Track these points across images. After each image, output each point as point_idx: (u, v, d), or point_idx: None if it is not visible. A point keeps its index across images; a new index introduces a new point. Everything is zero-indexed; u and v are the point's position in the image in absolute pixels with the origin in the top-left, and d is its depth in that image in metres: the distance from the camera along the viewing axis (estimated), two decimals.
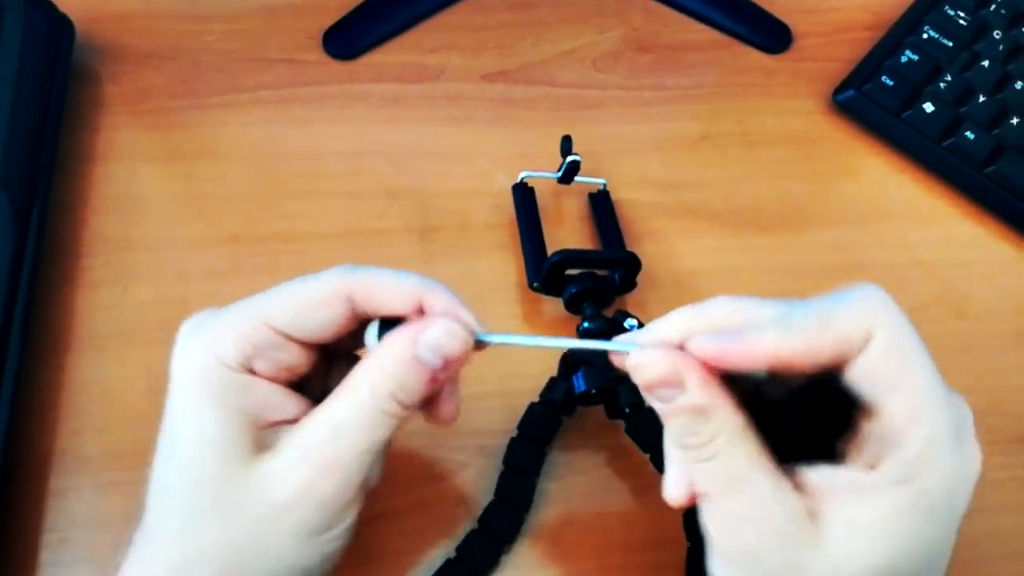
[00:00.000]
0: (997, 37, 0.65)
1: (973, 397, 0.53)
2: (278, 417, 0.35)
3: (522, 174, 0.57)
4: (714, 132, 0.63)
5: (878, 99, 0.62)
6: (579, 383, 0.46)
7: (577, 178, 0.56)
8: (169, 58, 0.62)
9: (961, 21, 0.65)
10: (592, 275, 0.52)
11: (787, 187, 0.61)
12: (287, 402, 0.36)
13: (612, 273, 0.53)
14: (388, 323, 0.35)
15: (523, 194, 0.56)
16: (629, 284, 0.53)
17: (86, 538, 0.45)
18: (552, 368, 0.49)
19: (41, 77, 0.55)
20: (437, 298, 0.35)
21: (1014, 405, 0.54)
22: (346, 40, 0.64)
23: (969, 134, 0.61)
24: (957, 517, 0.32)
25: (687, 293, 0.55)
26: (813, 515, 0.32)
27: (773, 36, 0.67)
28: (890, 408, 0.32)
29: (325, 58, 0.63)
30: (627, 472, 0.49)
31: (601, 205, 0.58)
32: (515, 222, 0.56)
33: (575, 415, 0.49)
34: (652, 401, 0.34)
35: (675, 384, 0.32)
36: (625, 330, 0.48)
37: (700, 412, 0.32)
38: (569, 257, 0.50)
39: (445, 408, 0.38)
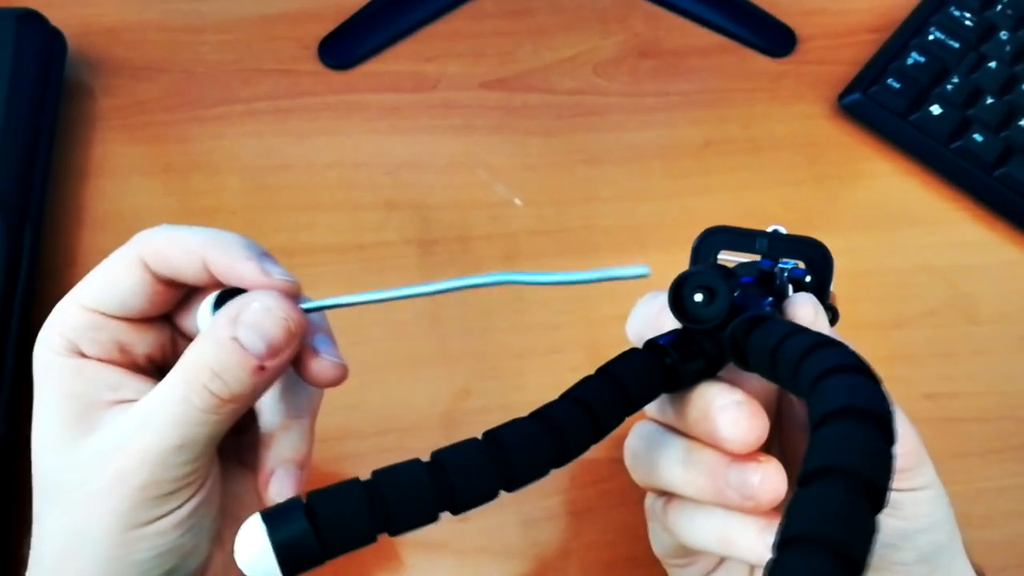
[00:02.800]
0: (1004, 38, 0.64)
1: (983, 402, 0.53)
2: (116, 396, 0.33)
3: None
4: (718, 138, 0.62)
5: (885, 102, 0.61)
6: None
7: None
8: (163, 70, 0.61)
9: (967, 22, 0.64)
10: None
11: (793, 193, 0.60)
12: (127, 382, 0.34)
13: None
14: (227, 297, 0.32)
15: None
16: None
17: None
18: (563, 380, 0.48)
19: (33, 92, 0.55)
20: (217, 254, 0.32)
21: None
22: (342, 50, 0.63)
23: (977, 136, 0.60)
24: None
25: None
26: None
27: (777, 40, 0.66)
28: None
29: (321, 68, 0.62)
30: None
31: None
32: (516, 234, 0.55)
33: None
34: None
35: None
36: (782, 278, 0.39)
37: None
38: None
39: (316, 367, 0.34)
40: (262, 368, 0.31)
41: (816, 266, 0.38)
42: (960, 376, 0.54)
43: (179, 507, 0.33)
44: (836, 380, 0.25)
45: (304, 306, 0.33)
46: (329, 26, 0.64)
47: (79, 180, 0.56)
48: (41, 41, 0.57)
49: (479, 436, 0.29)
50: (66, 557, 0.32)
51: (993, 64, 0.62)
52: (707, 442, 0.33)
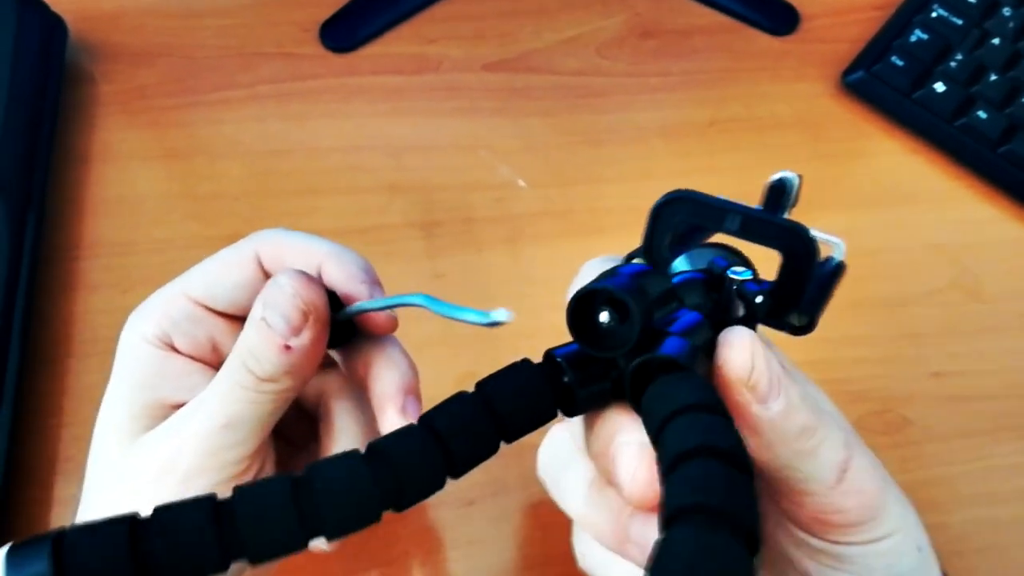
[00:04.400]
0: (1007, 15, 0.63)
1: (990, 380, 0.53)
2: (189, 397, 0.33)
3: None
4: (722, 117, 0.61)
5: (888, 79, 0.61)
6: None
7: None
8: (163, 56, 0.61)
9: None
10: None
11: (797, 171, 0.59)
12: (202, 384, 0.33)
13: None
14: None
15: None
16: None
17: None
18: None
19: (34, 78, 0.54)
20: (336, 268, 0.33)
21: None
22: (343, 32, 0.63)
23: (981, 113, 0.60)
24: None
25: None
26: None
27: (780, 18, 0.66)
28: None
29: (322, 51, 0.62)
30: None
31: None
32: (520, 216, 0.55)
33: None
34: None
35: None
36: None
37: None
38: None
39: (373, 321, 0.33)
40: (288, 347, 0.31)
41: (794, 260, 0.30)
42: (967, 354, 0.54)
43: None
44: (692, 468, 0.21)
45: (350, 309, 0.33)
46: (330, 9, 0.63)
47: (80, 166, 0.56)
48: (42, 27, 0.57)
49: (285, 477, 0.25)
50: None
51: (996, 41, 0.62)
52: (610, 481, 0.28)
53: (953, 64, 0.61)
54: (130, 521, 0.23)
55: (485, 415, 0.27)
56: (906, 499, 0.32)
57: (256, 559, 0.24)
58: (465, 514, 0.47)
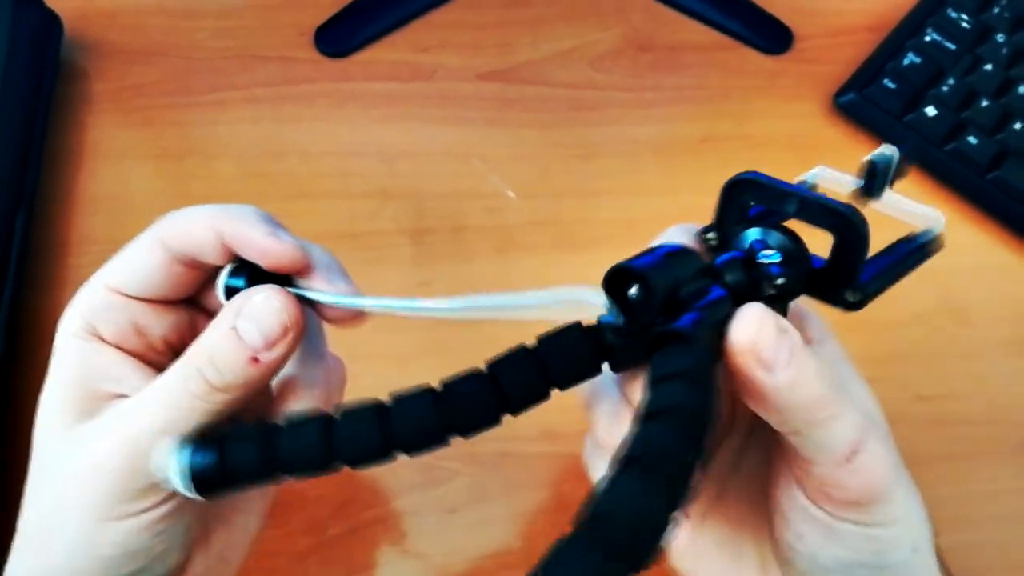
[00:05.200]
0: (1000, 41, 0.64)
1: (973, 405, 0.53)
2: (115, 389, 0.33)
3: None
4: (714, 134, 0.62)
5: (880, 102, 0.61)
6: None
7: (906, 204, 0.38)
8: (159, 55, 0.61)
9: (964, 24, 0.64)
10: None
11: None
12: (132, 374, 0.33)
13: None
14: (243, 273, 0.33)
15: None
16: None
17: None
18: None
19: (29, 74, 0.54)
20: (230, 227, 0.32)
21: (1015, 413, 0.53)
22: (339, 37, 0.63)
23: (972, 139, 0.60)
24: None
25: None
26: None
27: (774, 37, 0.67)
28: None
29: (317, 56, 0.62)
30: None
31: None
32: (510, 226, 0.55)
33: None
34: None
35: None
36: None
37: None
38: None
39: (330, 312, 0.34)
40: (256, 360, 0.31)
41: (846, 241, 0.32)
42: (951, 378, 0.54)
43: (153, 507, 0.32)
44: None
45: (300, 292, 0.32)
46: (326, 13, 0.64)
47: (73, 163, 0.56)
48: (37, 23, 0.57)
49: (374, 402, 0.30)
50: (43, 535, 0.33)
51: (989, 67, 0.63)
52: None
53: (945, 89, 0.62)
54: (267, 429, 0.30)
55: (538, 368, 0.31)
56: (921, 504, 0.33)
57: (408, 451, 0.30)
58: (446, 520, 0.47)
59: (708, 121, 0.62)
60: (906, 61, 0.63)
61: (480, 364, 0.33)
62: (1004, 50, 0.63)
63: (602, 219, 0.57)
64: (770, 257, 0.33)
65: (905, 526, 0.32)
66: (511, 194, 0.56)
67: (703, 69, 0.65)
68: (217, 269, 0.34)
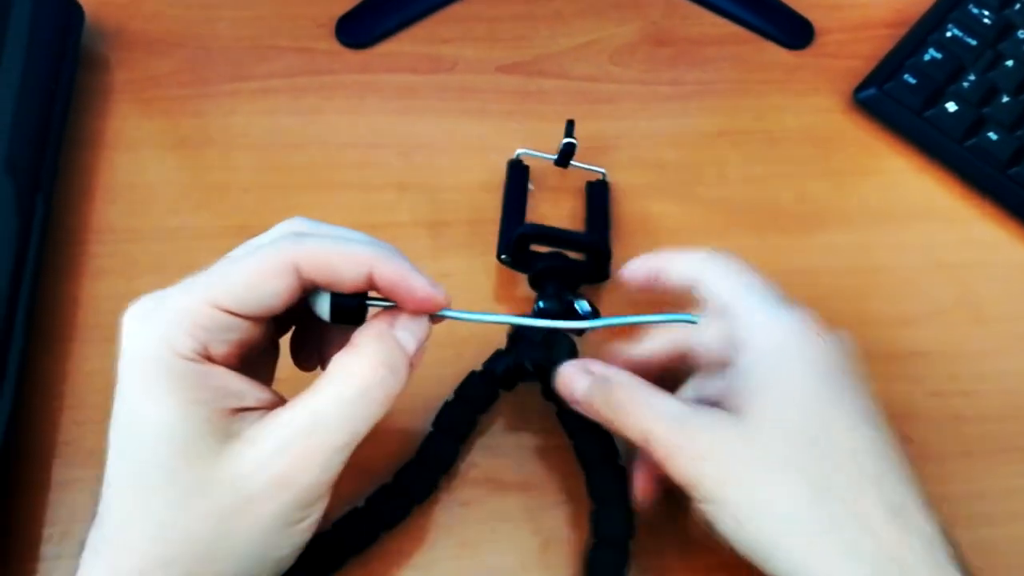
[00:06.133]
0: (1022, 36, 0.63)
1: (990, 401, 0.53)
2: (238, 404, 0.34)
3: (519, 150, 0.57)
4: (732, 129, 0.62)
5: (900, 98, 0.61)
6: (516, 357, 0.47)
7: (576, 164, 0.56)
8: (178, 45, 0.61)
9: (985, 20, 0.64)
10: (561, 256, 0.51)
11: (805, 186, 0.60)
12: (246, 388, 0.35)
13: (586, 259, 0.53)
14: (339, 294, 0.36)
15: (516, 170, 0.57)
16: (602, 273, 0.53)
17: (88, 531, 0.45)
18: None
19: (49, 62, 0.55)
20: (387, 268, 0.35)
21: None
22: (359, 29, 0.63)
23: (992, 135, 0.60)
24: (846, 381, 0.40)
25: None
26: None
27: (794, 32, 0.66)
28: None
29: (337, 47, 0.62)
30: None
31: (596, 194, 0.57)
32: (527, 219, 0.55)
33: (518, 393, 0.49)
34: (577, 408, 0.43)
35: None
36: (578, 314, 0.48)
37: (605, 381, 0.41)
38: (536, 232, 0.51)
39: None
40: (412, 366, 0.35)
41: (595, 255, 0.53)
42: (968, 375, 0.54)
43: (324, 504, 0.35)
44: None
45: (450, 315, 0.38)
46: (347, 5, 0.64)
47: (92, 151, 0.56)
48: (58, 11, 0.57)
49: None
50: (206, 561, 0.33)
51: (1010, 63, 0.62)
52: None
53: (965, 84, 0.61)
54: None
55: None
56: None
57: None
58: (460, 515, 0.47)
59: (727, 115, 0.62)
60: (927, 56, 0.62)
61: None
62: None
63: (619, 212, 0.57)
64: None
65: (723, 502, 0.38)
66: (530, 187, 0.56)
67: (722, 63, 0.65)
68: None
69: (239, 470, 0.33)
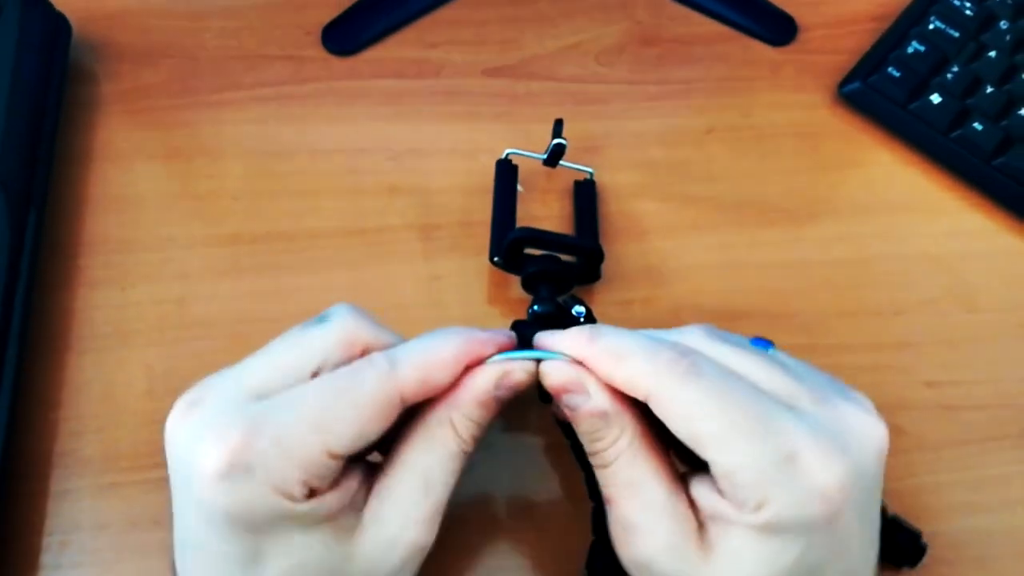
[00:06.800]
0: (1004, 28, 0.64)
1: (983, 390, 0.53)
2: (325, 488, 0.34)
3: (508, 150, 0.57)
4: (720, 126, 0.62)
5: (884, 91, 0.62)
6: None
7: (565, 163, 0.56)
8: (166, 56, 0.61)
9: (967, 11, 0.64)
10: (554, 259, 0.51)
11: (793, 181, 0.60)
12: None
13: (578, 261, 0.53)
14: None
15: (505, 170, 0.57)
16: (593, 274, 0.53)
17: (86, 540, 0.45)
18: None
19: (38, 76, 0.55)
20: (477, 354, 0.36)
21: None
22: (345, 36, 0.63)
23: (977, 125, 0.60)
24: (820, 528, 0.33)
25: (660, 289, 0.55)
26: (704, 532, 0.34)
27: (778, 28, 0.67)
28: (712, 460, 0.34)
29: (324, 54, 0.63)
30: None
31: (584, 194, 0.57)
32: (518, 220, 0.55)
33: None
34: (564, 409, 0.37)
35: (579, 390, 0.36)
36: (573, 316, 0.48)
37: (602, 416, 0.36)
38: (530, 235, 0.51)
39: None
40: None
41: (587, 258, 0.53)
42: (960, 364, 0.54)
43: None
44: None
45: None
46: (332, 12, 0.64)
47: (82, 164, 0.56)
48: (45, 25, 0.57)
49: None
50: None
51: (993, 53, 0.63)
52: None
53: (949, 76, 0.62)
54: None
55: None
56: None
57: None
58: (458, 515, 0.47)
59: (714, 113, 0.63)
60: (910, 49, 0.63)
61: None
62: (1007, 37, 0.63)
63: (609, 212, 0.57)
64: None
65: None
66: (520, 188, 0.57)
67: (708, 62, 0.65)
68: None
69: (373, 556, 0.34)
